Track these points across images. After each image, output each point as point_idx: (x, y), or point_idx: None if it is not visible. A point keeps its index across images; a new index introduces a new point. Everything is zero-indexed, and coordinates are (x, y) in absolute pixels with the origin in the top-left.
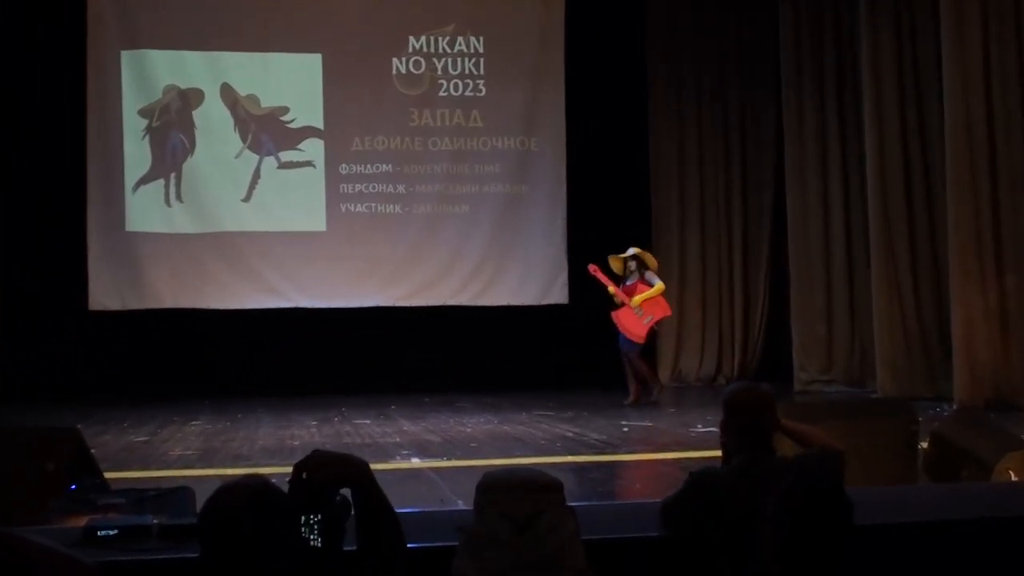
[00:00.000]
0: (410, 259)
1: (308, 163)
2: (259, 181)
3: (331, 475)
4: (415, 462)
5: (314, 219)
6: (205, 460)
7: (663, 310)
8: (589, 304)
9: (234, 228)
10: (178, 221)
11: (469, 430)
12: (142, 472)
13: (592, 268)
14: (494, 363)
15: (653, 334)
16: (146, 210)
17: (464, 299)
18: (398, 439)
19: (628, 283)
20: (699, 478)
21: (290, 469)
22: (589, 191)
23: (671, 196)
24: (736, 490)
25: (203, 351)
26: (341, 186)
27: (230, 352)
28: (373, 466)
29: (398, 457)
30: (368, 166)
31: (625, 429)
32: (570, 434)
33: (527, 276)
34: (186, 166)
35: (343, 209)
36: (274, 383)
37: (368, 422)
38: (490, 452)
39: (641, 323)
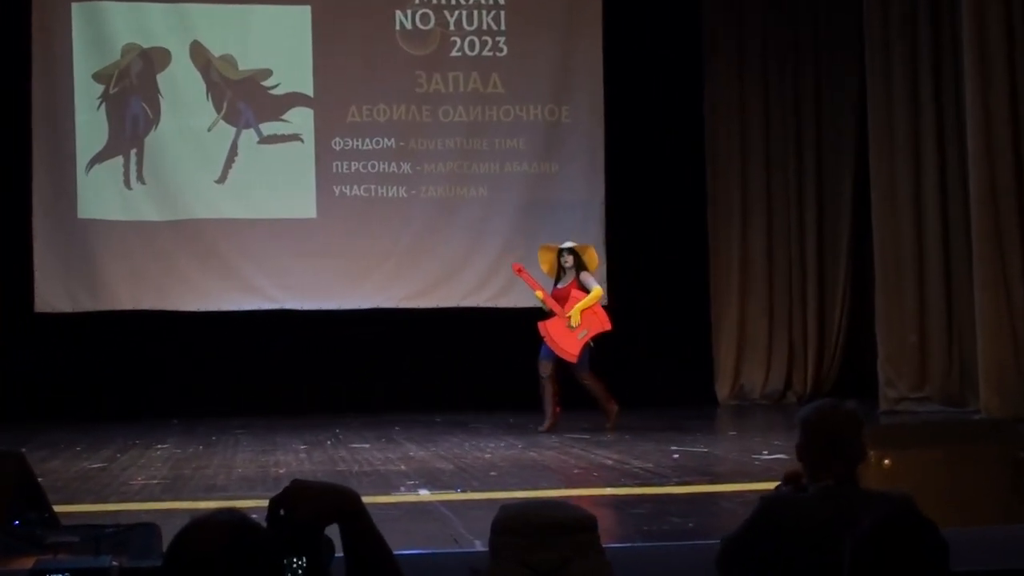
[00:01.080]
0: (416, 252)
1: (295, 137)
2: (236, 159)
3: (313, 510)
4: (423, 494)
5: (302, 204)
6: (173, 491)
7: (601, 323)
8: (633, 307)
9: (206, 215)
10: (140, 207)
11: (488, 456)
12: (98, 505)
13: (516, 267)
14: (517, 376)
15: (589, 351)
16: (102, 194)
17: (481, 300)
18: (403, 467)
19: (560, 286)
20: (771, 505)
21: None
22: (631, 172)
23: (731, 181)
24: (813, 524)
25: (170, 362)
26: (334, 165)
27: (202, 363)
28: (373, 499)
29: (403, 488)
30: (366, 141)
31: (675, 456)
32: (609, 461)
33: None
34: (149, 141)
35: (336, 192)
36: (255, 399)
37: (367, 446)
38: (512, 483)
39: (574, 338)
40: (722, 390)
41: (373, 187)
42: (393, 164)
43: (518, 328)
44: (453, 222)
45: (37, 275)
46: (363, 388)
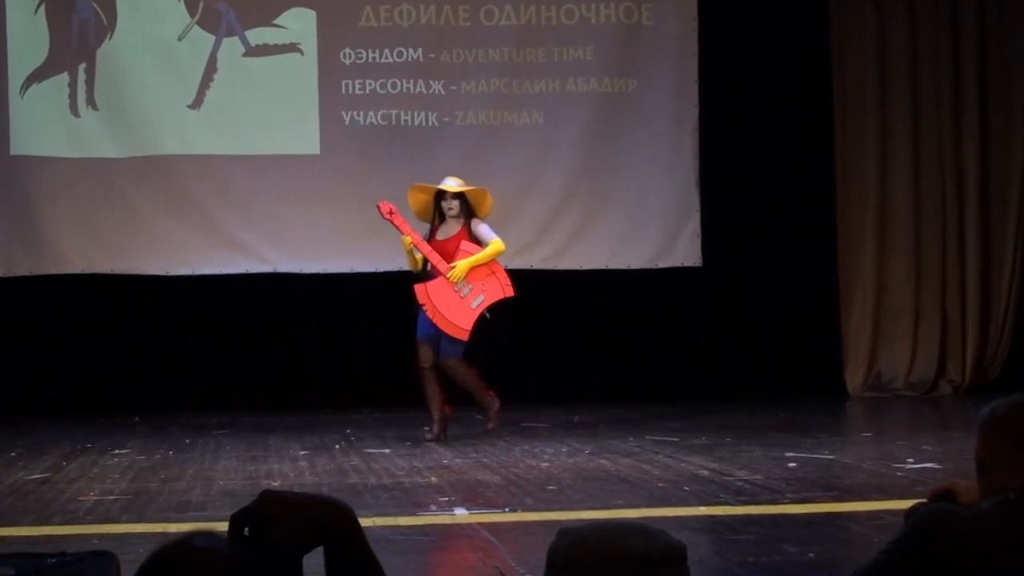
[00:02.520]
0: None
1: (292, 47)
2: (215, 76)
3: (291, 531)
4: (460, 514)
5: (301, 137)
6: (134, 510)
7: (501, 286)
8: (733, 271)
9: (178, 150)
10: (91, 140)
11: (545, 465)
12: (38, 528)
13: (385, 206)
14: (583, 360)
15: (485, 326)
16: (41, 123)
17: (535, 260)
18: (434, 479)
19: (440, 237)
20: (928, 526)
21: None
22: (732, 91)
23: (865, 104)
24: (990, 547)
25: (132, 341)
26: (343, 84)
27: (173, 343)
28: (395, 521)
29: (434, 507)
30: (385, 52)
31: (792, 465)
32: (704, 472)
33: (636, 225)
34: (103, 53)
35: (346, 120)
36: (242, 391)
37: (387, 451)
38: (576, 500)
39: (466, 307)
40: (853, 378)
41: (394, 113)
42: (420, 82)
43: (584, 296)
44: (498, 158)
45: None
46: (381, 375)
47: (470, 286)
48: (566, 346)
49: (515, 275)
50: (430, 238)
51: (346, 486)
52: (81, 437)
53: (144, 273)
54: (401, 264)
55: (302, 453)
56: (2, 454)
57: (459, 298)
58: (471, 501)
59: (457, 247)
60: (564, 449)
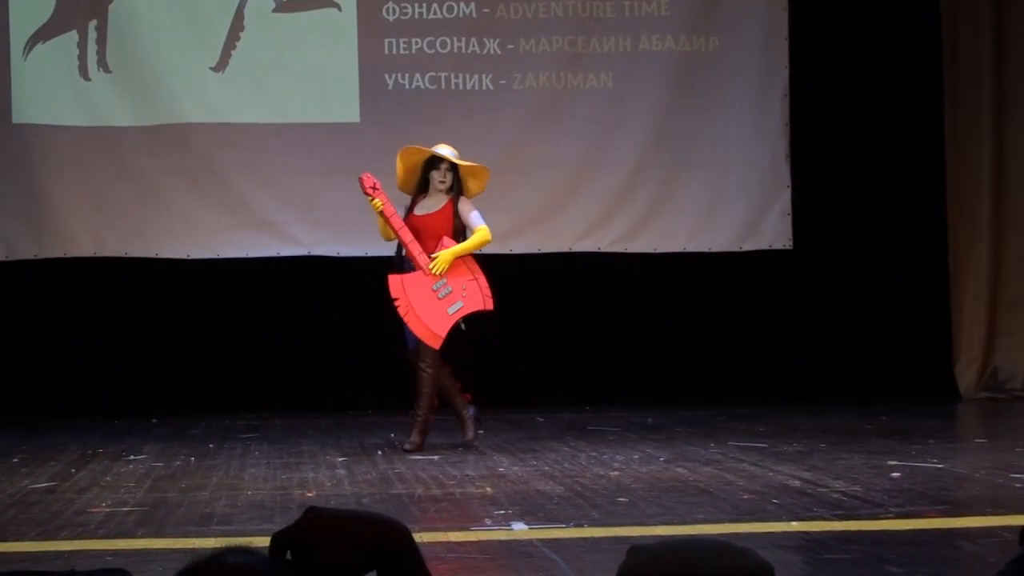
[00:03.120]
0: (507, 172)
1: (328, 2)
2: (242, 35)
3: (339, 552)
4: (519, 529)
5: (339, 103)
6: (152, 523)
7: (482, 297)
8: (829, 256)
9: (200, 118)
10: (103, 106)
11: (614, 474)
12: (44, 543)
13: (368, 179)
14: (657, 355)
15: (461, 336)
16: (47, 87)
17: (603, 243)
18: (489, 489)
19: (420, 212)
20: None
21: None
22: (827, 49)
23: (980, 79)
24: None
25: (149, 334)
26: (386, 43)
27: (195, 335)
28: (445, 536)
29: (489, 521)
30: (433, 7)
31: (895, 475)
32: (796, 482)
33: (718, 203)
34: (115, 9)
35: (389, 84)
36: (272, 390)
37: (436, 458)
38: (651, 513)
39: (441, 310)
40: (965, 376)
41: (443, 76)
42: (473, 41)
43: (658, 283)
44: (561, 127)
45: None
46: None
47: (449, 288)
48: (638, 339)
49: (580, 259)
50: (408, 212)
51: (389, 497)
52: (91, 441)
53: (162, 256)
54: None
55: (340, 460)
56: (3, 460)
57: (436, 299)
58: (531, 514)
59: (440, 226)
60: (636, 456)
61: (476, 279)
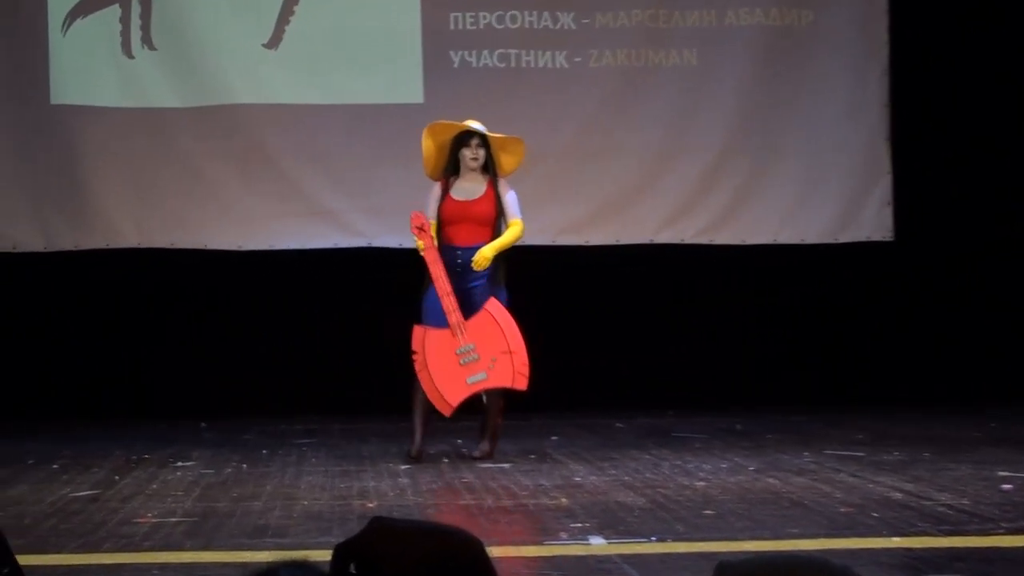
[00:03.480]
0: (582, 157)
1: None
2: (296, 9)
3: (405, 566)
4: (596, 544)
5: (401, 82)
6: (201, 535)
7: (512, 375)
8: (934, 244)
9: (250, 98)
10: (147, 86)
11: (700, 484)
12: (86, 555)
13: (417, 219)
14: (745, 355)
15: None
16: (87, 66)
17: (688, 234)
18: (564, 500)
19: (461, 197)
20: None
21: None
22: (933, 24)
23: None
24: None
25: (197, 331)
26: (452, 17)
27: (246, 332)
28: (517, 551)
29: (564, 535)
30: None
31: (1007, 487)
32: (897, 495)
33: (812, 190)
34: None
35: (455, 62)
36: (330, 391)
37: (507, 466)
38: (740, 527)
39: (460, 377)
40: None
41: (513, 53)
42: (546, 15)
43: (746, 278)
44: (641, 107)
45: None
46: None
47: (476, 356)
48: (725, 338)
49: (662, 251)
50: (443, 197)
51: (457, 508)
52: (137, 446)
53: (210, 248)
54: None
55: (403, 468)
56: (43, 466)
57: (456, 364)
58: (610, 528)
59: (484, 212)
60: (724, 465)
61: (512, 354)
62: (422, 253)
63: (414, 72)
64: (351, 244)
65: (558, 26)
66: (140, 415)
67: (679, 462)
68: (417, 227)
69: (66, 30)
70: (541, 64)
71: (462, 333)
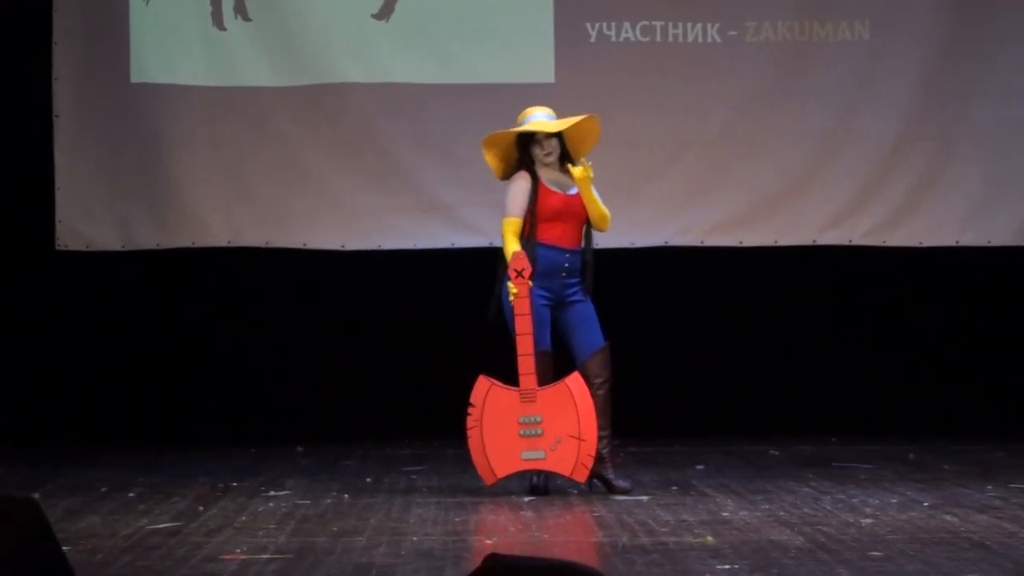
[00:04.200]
0: (737, 144)
1: None
2: None
3: None
4: None
5: (529, 58)
6: (296, 574)
7: (573, 465)
8: None
9: (357, 77)
10: (239, 61)
11: (866, 521)
12: None
13: (519, 263)
14: (921, 374)
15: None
16: (172, 39)
17: (857, 234)
18: (711, 538)
19: (559, 190)
20: None
21: None
22: None
23: None
24: None
25: (291, 342)
26: None
27: (348, 345)
28: None
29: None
30: None
31: None
32: None
33: (1000, 185)
34: None
35: (592, 36)
36: (445, 412)
37: (645, 499)
38: (912, 571)
39: (515, 449)
40: None
41: (659, 25)
42: None
43: (923, 284)
44: (804, 88)
45: (59, 189)
46: (638, 392)
47: (540, 430)
48: (896, 354)
49: (826, 253)
50: (536, 191)
51: (588, 546)
52: (223, 473)
53: (310, 247)
54: (660, 238)
55: (526, 500)
56: (118, 495)
57: (516, 433)
58: (762, 570)
59: (581, 207)
60: (894, 500)
61: (580, 442)
62: (511, 299)
63: (544, 47)
64: (470, 244)
65: None
66: (227, 438)
67: (842, 496)
68: (517, 271)
69: (149, 0)
70: (690, 38)
71: (532, 401)
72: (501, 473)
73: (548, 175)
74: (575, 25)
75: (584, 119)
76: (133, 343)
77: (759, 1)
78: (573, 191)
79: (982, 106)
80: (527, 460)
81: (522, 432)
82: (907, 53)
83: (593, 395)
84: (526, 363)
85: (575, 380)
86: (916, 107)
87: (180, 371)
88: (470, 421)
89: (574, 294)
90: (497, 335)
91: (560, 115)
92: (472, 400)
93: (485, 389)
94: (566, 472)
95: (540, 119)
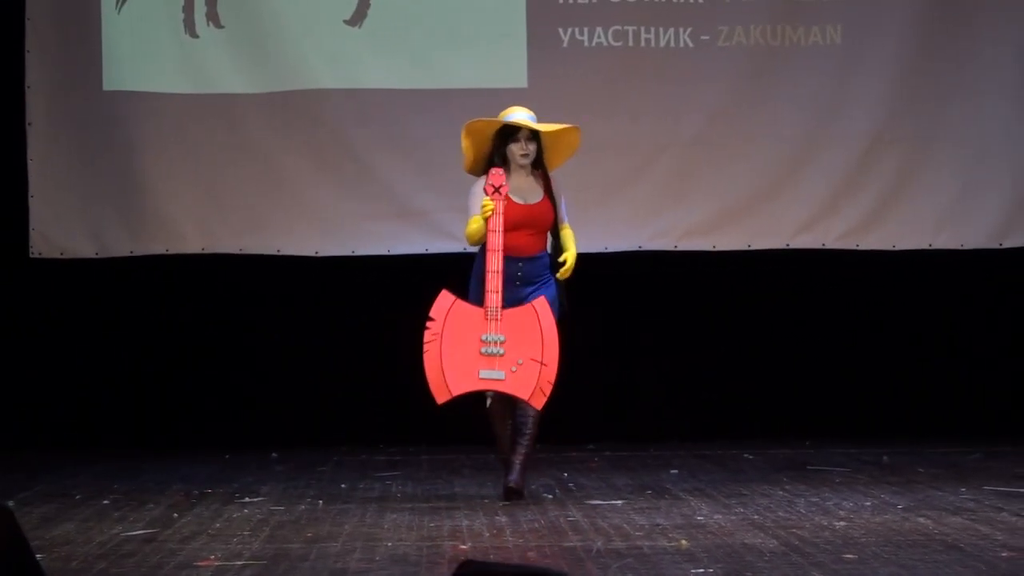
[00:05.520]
0: (711, 148)
1: None
2: None
3: None
4: None
5: (501, 63)
6: None
7: (534, 388)
8: None
9: (330, 82)
10: (212, 68)
11: (840, 524)
12: None
13: (497, 179)
14: (893, 376)
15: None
16: (145, 46)
17: (831, 238)
18: (685, 542)
19: (521, 200)
20: None
21: None
22: None
23: None
24: None
25: (265, 348)
26: None
27: (321, 350)
28: None
29: None
30: None
31: None
32: None
33: (973, 187)
34: None
35: (564, 40)
36: (418, 418)
37: (619, 503)
38: (886, 574)
39: (472, 367)
40: None
41: (631, 30)
42: None
43: (896, 289)
44: (778, 92)
45: (33, 196)
46: (612, 397)
47: (502, 350)
48: (869, 357)
49: (799, 256)
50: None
51: (562, 551)
52: (198, 479)
53: (284, 253)
54: (636, 242)
55: (501, 504)
56: (92, 502)
57: (475, 351)
58: (737, 574)
59: (544, 218)
60: (868, 503)
61: (543, 365)
62: (484, 217)
63: (517, 52)
64: (444, 249)
65: None
66: (201, 444)
67: (815, 499)
68: (494, 187)
69: (120, 6)
70: (662, 43)
71: (496, 320)
72: (456, 391)
73: (514, 181)
74: (547, 30)
75: (569, 128)
76: (106, 350)
77: (732, 6)
78: (535, 199)
79: (955, 109)
80: (485, 380)
81: (483, 350)
82: (880, 57)
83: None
84: (494, 281)
85: (542, 304)
86: (889, 110)
87: (154, 378)
88: (428, 335)
89: (528, 297)
90: None
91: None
92: (432, 314)
93: (448, 304)
94: (524, 395)
95: (522, 117)
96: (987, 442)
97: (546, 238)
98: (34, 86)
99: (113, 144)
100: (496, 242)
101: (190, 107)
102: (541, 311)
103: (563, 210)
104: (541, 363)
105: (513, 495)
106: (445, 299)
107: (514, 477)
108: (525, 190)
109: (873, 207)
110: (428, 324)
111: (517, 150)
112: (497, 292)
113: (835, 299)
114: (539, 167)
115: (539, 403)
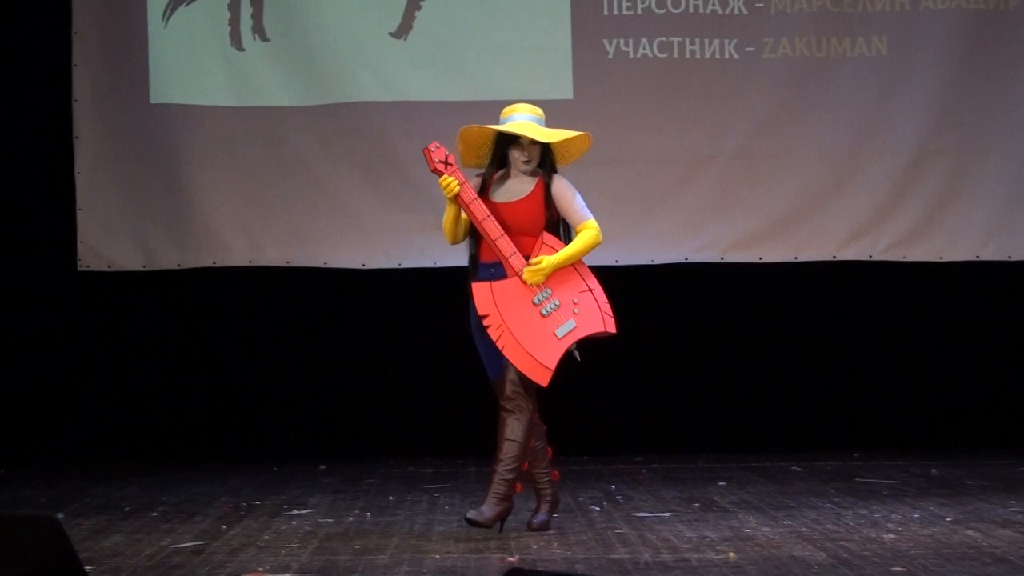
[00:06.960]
0: (757, 159)
1: None
2: None
3: None
4: None
5: (547, 75)
6: None
7: (601, 316)
8: None
9: (376, 95)
10: (258, 81)
11: (889, 537)
12: None
13: (440, 151)
14: (942, 389)
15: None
16: (191, 59)
17: (877, 250)
18: (733, 554)
19: (502, 199)
20: None
21: None
22: None
23: None
24: None
25: (312, 360)
26: (605, 1)
27: (369, 363)
28: None
29: None
30: None
31: None
32: None
33: (1020, 199)
34: None
35: (610, 52)
36: (466, 431)
37: (667, 515)
38: None
39: (547, 331)
40: None
41: (676, 42)
42: (712, 1)
43: (943, 300)
44: (823, 103)
45: (81, 210)
46: (659, 409)
47: (557, 301)
48: (919, 370)
49: (847, 268)
50: (481, 195)
51: (609, 563)
52: (246, 491)
53: (331, 266)
54: (682, 254)
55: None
56: (141, 514)
57: (539, 316)
58: None
59: (530, 218)
60: (916, 515)
61: (591, 290)
62: (452, 196)
63: (563, 64)
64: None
65: (728, 11)
66: (249, 457)
67: (864, 511)
68: (439, 162)
69: (167, 19)
70: (708, 54)
71: (524, 271)
72: (551, 363)
73: (511, 181)
74: (593, 42)
75: (575, 136)
76: (157, 362)
77: (777, 17)
78: (522, 195)
79: (1001, 120)
80: (564, 336)
81: (543, 311)
82: (925, 68)
83: (500, 420)
84: (505, 244)
85: (549, 238)
86: (935, 122)
87: (203, 390)
88: (493, 331)
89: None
90: None
91: (577, 130)
92: (481, 310)
93: (487, 292)
94: (599, 328)
95: (524, 120)
96: None
97: (539, 241)
98: (81, 100)
99: (160, 157)
100: (482, 209)
101: (236, 120)
102: (551, 243)
103: (580, 209)
104: (590, 289)
105: (474, 525)
106: (481, 289)
107: (482, 508)
108: (513, 190)
109: (919, 219)
110: (485, 321)
111: (519, 156)
112: (515, 252)
113: (883, 311)
114: (544, 167)
115: (612, 326)
